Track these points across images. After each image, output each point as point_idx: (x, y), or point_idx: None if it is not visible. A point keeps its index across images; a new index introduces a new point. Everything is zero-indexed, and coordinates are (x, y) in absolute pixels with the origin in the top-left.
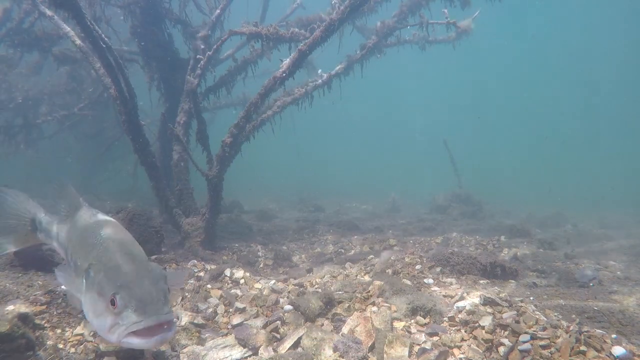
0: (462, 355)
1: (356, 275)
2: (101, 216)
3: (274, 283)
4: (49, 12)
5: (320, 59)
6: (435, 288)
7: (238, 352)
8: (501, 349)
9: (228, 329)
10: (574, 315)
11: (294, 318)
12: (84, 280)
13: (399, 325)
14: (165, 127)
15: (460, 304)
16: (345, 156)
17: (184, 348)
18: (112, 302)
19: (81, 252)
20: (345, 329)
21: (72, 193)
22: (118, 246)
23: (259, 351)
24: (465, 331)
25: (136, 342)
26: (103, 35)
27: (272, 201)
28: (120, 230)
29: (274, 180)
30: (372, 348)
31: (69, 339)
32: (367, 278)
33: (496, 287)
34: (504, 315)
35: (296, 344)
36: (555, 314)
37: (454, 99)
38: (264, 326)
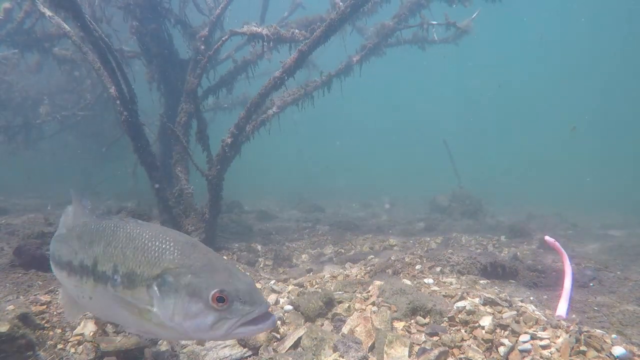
0: (462, 355)
1: (356, 275)
2: (143, 222)
3: (274, 283)
4: (49, 12)
5: (320, 58)
6: (435, 288)
7: (238, 352)
8: (501, 349)
9: None
10: (574, 315)
11: (294, 318)
12: (156, 289)
13: (399, 325)
14: (165, 127)
15: (460, 304)
16: (346, 156)
17: (184, 348)
18: (220, 299)
19: (139, 262)
20: (345, 329)
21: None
22: (192, 247)
23: (259, 351)
24: (465, 331)
25: (248, 330)
26: (103, 35)
27: (272, 201)
28: (177, 232)
29: (274, 181)
30: (372, 348)
31: (69, 339)
32: (367, 278)
33: (496, 287)
34: (504, 315)
35: (296, 344)
36: (556, 313)
37: (454, 98)
38: None
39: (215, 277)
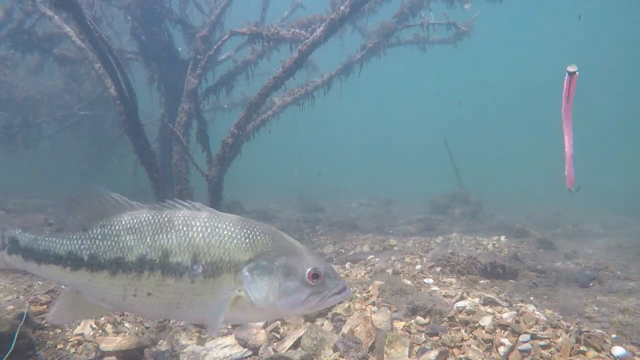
0: (462, 355)
1: (356, 275)
2: (218, 212)
3: None
4: (49, 13)
5: (320, 59)
6: (435, 288)
7: (238, 352)
8: (501, 349)
9: (228, 329)
10: (574, 315)
11: (294, 318)
12: (247, 273)
13: (399, 325)
14: (165, 127)
15: (460, 303)
16: (346, 156)
17: (184, 348)
18: (315, 276)
19: (227, 249)
20: (345, 329)
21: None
22: (276, 233)
23: (259, 351)
24: (465, 331)
25: (334, 299)
26: (103, 36)
27: (272, 201)
28: (255, 220)
29: (274, 181)
30: (372, 348)
31: (69, 339)
32: (367, 278)
33: (496, 287)
34: (504, 315)
35: (296, 344)
36: (556, 314)
37: (453, 98)
38: (264, 326)
39: (306, 257)
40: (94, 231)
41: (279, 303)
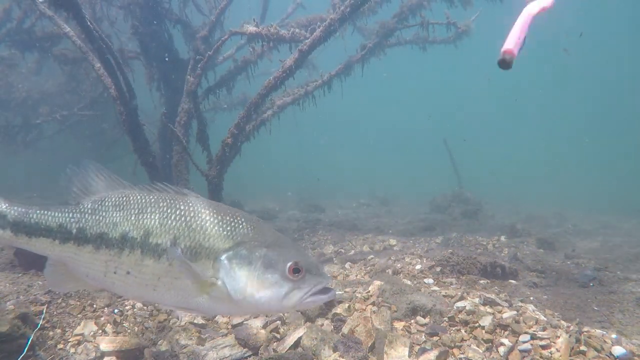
0: (462, 355)
1: (356, 275)
2: (203, 197)
3: None
4: (49, 12)
5: (320, 58)
6: (435, 288)
7: (238, 352)
8: (501, 349)
9: (228, 329)
10: (574, 315)
11: (294, 318)
12: (226, 261)
13: (399, 325)
14: (166, 127)
15: (460, 303)
16: (347, 156)
17: (184, 348)
18: (296, 270)
19: (208, 235)
20: (345, 329)
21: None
22: (260, 223)
23: (259, 351)
24: (465, 331)
25: (316, 298)
26: (103, 35)
27: (272, 201)
28: (240, 210)
29: (274, 180)
30: (372, 348)
31: (69, 339)
32: (367, 278)
33: (496, 287)
34: (504, 315)
35: (296, 344)
36: (556, 314)
37: (453, 98)
38: (264, 326)
39: (288, 250)
40: (85, 205)
41: (257, 295)
